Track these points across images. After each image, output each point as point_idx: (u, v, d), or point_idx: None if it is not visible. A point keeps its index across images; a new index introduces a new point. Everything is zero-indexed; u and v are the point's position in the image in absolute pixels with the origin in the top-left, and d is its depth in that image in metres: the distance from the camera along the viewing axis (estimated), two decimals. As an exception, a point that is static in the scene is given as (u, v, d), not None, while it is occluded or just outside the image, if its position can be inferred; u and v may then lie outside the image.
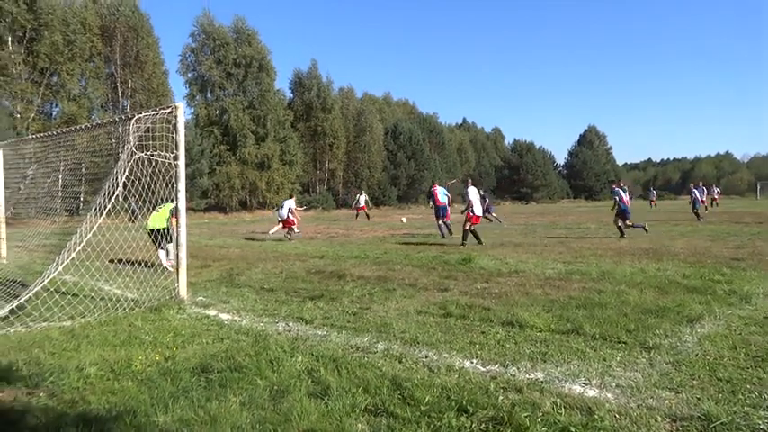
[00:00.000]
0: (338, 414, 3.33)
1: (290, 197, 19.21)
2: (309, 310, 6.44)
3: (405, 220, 27.91)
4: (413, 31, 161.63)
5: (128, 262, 9.57)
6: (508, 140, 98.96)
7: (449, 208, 17.41)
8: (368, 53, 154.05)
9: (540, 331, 5.23)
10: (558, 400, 3.52)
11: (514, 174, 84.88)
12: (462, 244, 13.71)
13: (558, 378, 3.98)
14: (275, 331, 5.50)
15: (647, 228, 16.15)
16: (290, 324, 5.84)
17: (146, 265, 9.54)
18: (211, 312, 6.52)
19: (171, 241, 10.97)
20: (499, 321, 5.64)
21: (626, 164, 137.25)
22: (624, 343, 4.79)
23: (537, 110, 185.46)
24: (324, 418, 3.27)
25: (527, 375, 4.04)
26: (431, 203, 18.51)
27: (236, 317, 6.28)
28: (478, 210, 14.18)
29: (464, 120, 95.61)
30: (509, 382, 3.87)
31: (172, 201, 9.78)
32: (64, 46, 35.53)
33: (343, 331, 5.45)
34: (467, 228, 13.87)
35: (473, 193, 14.23)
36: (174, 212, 10.88)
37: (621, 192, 15.88)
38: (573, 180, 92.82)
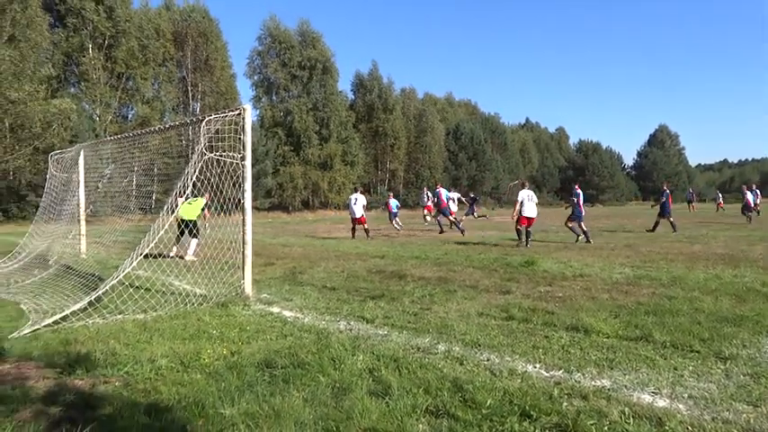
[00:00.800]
0: (399, 414, 3.33)
1: (359, 192, 19.08)
2: (370, 310, 6.48)
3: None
4: (474, 30, 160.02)
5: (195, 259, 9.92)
6: (573, 140, 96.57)
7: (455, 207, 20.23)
8: (429, 53, 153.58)
9: (607, 337, 5.06)
10: (626, 409, 3.39)
11: (579, 175, 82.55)
12: (518, 244, 14.27)
13: (625, 386, 3.83)
14: (337, 330, 5.57)
15: (590, 238, 15.30)
16: (352, 323, 5.90)
17: (208, 263, 9.84)
18: (275, 309, 6.67)
19: (197, 236, 11.42)
20: (563, 326, 5.50)
21: (699, 165, 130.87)
22: (697, 352, 4.56)
23: (604, 109, 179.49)
24: (385, 418, 3.28)
25: (593, 382, 3.91)
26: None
27: (299, 314, 6.39)
28: (528, 212, 14.39)
29: (527, 120, 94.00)
30: (574, 389, 3.76)
31: (202, 196, 10.12)
32: (139, 51, 37.34)
33: (404, 331, 5.45)
34: (518, 228, 14.44)
35: (523, 195, 14.61)
36: (206, 208, 11.27)
37: (581, 194, 15.97)
38: (642, 181, 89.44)
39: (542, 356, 4.51)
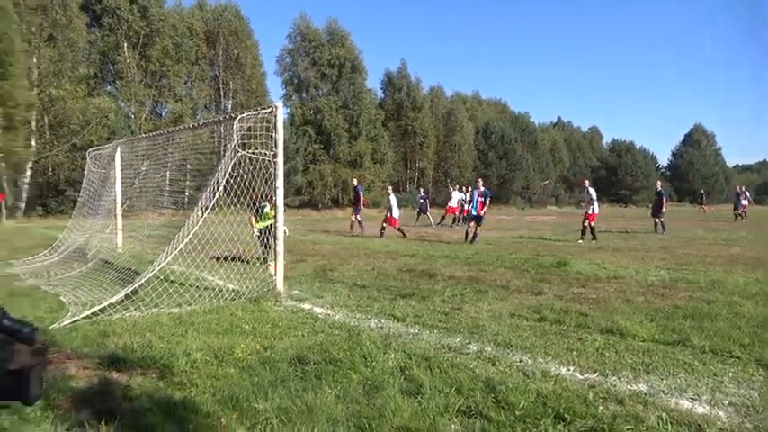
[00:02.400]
0: (431, 413, 3.32)
1: (392, 191, 19.29)
2: (401, 308, 6.48)
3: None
4: (503, 28, 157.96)
5: (229, 257, 10.03)
6: (606, 140, 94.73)
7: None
8: (457, 52, 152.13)
9: (643, 341, 4.97)
10: (664, 414, 3.33)
11: (612, 175, 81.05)
12: (582, 238, 15.37)
13: (663, 391, 3.76)
14: (368, 327, 5.58)
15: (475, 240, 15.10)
16: (382, 321, 5.91)
17: (242, 261, 9.94)
18: (306, 306, 6.72)
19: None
20: (597, 328, 5.43)
21: (737, 165, 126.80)
22: (737, 358, 4.45)
23: (639, 108, 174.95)
24: (417, 417, 3.28)
25: (629, 386, 3.85)
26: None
27: (330, 311, 6.43)
28: (597, 208, 15.56)
29: (559, 119, 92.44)
30: (609, 393, 3.70)
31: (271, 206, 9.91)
32: (172, 50, 37.98)
33: (435, 330, 5.44)
34: (585, 225, 15.49)
35: (594, 193, 15.79)
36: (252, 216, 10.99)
37: (486, 196, 15.79)
38: (677, 182, 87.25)
39: (576, 359, 4.46)
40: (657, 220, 19.13)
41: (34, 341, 1.57)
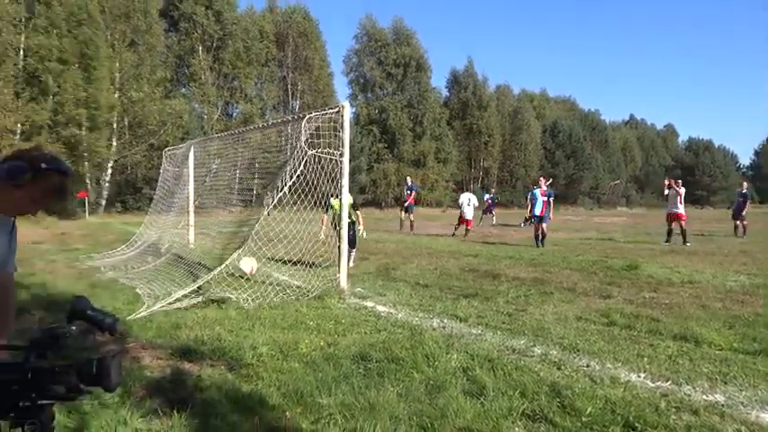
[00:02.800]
0: (494, 415, 3.27)
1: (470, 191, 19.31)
2: (463, 308, 6.42)
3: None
4: (572, 23, 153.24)
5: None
6: (682, 138, 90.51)
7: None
8: (525, 48, 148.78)
9: (720, 349, 4.71)
10: (743, 428, 3.14)
11: (688, 175, 77.12)
12: (685, 243, 14.64)
13: (742, 403, 3.55)
14: (430, 327, 5.56)
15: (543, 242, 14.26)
16: (445, 321, 5.87)
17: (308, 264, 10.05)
18: (369, 304, 6.77)
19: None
20: (670, 335, 5.18)
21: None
22: (826, 370, 4.14)
23: (718, 104, 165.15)
24: (480, 419, 3.23)
25: (704, 397, 3.66)
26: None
27: (393, 310, 6.45)
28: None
29: (631, 116, 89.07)
30: (683, 402, 3.53)
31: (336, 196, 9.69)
32: (244, 53, 39.21)
33: (498, 332, 5.36)
34: (674, 226, 15.11)
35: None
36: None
37: (549, 196, 14.85)
38: (759, 183, 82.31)
39: (647, 366, 4.27)
40: (739, 222, 18.05)
41: (116, 331, 1.64)
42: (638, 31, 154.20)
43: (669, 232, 15.30)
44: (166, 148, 16.02)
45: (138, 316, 5.80)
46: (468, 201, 18.10)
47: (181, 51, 37.56)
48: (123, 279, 8.44)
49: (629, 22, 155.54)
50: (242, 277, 7.57)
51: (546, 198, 14.60)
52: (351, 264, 9.44)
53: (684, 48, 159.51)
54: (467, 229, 17.80)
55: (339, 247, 7.74)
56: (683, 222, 15.04)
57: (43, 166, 1.84)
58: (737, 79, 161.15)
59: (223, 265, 7.01)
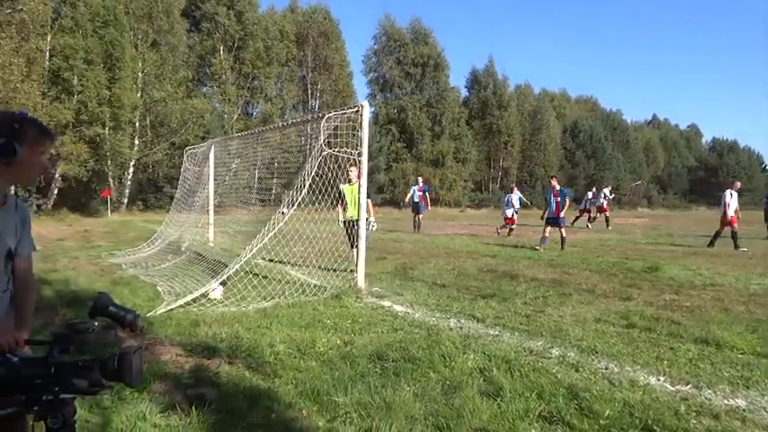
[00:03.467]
0: (511, 417, 3.25)
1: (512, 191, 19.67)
2: (481, 309, 6.39)
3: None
4: (594, 22, 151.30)
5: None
6: (706, 138, 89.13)
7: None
8: (545, 47, 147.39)
9: (743, 353, 4.63)
10: (766, 433, 3.09)
11: (711, 176, 76.03)
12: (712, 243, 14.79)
13: (764, 408, 3.49)
14: (447, 327, 5.55)
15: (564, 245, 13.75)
16: (462, 321, 5.85)
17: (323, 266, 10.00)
18: (386, 303, 6.77)
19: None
20: (691, 338, 5.10)
21: None
22: None
23: (744, 103, 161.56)
24: (496, 419, 3.22)
25: (725, 401, 3.60)
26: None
27: (410, 309, 6.44)
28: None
29: (654, 116, 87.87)
30: (703, 406, 3.48)
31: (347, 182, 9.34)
32: (264, 53, 39.46)
33: (516, 333, 5.33)
34: (735, 230, 15.01)
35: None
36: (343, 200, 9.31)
37: (564, 196, 14.22)
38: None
39: (667, 369, 4.22)
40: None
41: (137, 327, 1.67)
42: (662, 30, 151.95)
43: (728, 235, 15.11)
44: (187, 147, 16.18)
45: (158, 313, 5.88)
46: (508, 200, 18.97)
47: (202, 51, 37.91)
48: (144, 276, 8.55)
49: (652, 21, 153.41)
50: (259, 275, 7.62)
51: (559, 199, 13.97)
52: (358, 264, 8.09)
53: (709, 47, 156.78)
54: (510, 228, 18.46)
55: (357, 246, 7.75)
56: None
57: (16, 126, 1.81)
58: (763, 78, 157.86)
59: (241, 262, 7.05)
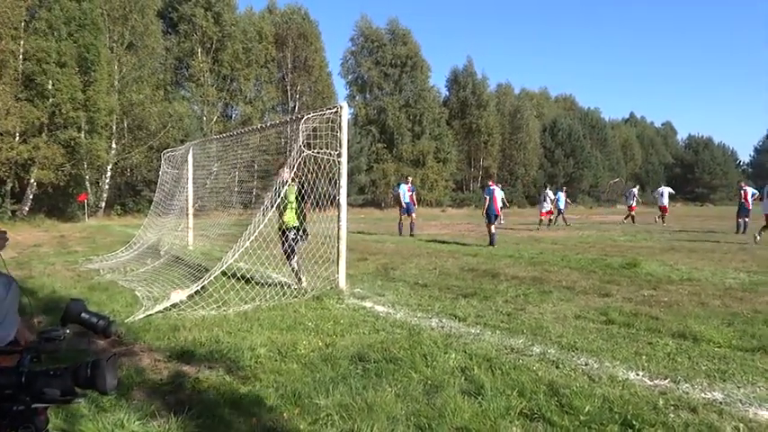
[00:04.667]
0: (492, 415, 3.27)
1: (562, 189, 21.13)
2: (462, 308, 6.42)
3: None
4: (572, 21, 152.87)
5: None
6: (681, 136, 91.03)
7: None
8: (525, 46, 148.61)
9: (719, 347, 4.72)
10: (741, 425, 3.14)
11: (688, 172, 77.60)
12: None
13: (740, 401, 3.55)
14: (429, 327, 5.56)
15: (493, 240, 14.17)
16: (444, 320, 5.87)
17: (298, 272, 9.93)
18: (368, 304, 6.77)
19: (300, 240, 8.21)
20: (669, 333, 5.19)
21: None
22: (824, 367, 4.15)
23: (717, 100, 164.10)
24: (477, 418, 3.23)
25: (703, 394, 3.66)
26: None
27: (391, 310, 6.45)
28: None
29: (631, 114, 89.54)
30: (681, 400, 3.53)
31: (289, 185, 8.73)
32: (243, 54, 39.20)
33: (497, 331, 5.36)
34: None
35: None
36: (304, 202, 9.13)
37: (495, 190, 14.63)
38: (759, 180, 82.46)
39: (646, 364, 4.28)
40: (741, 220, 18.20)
41: (110, 333, 1.65)
42: (638, 28, 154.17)
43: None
44: (166, 150, 16.02)
45: (137, 318, 5.81)
46: (545, 197, 21.80)
47: (180, 53, 37.50)
48: (122, 281, 8.43)
49: (628, 19, 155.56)
50: (241, 279, 7.56)
51: (488, 196, 14.70)
52: (302, 281, 7.92)
53: (683, 45, 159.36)
54: (550, 220, 21.57)
55: (338, 248, 7.73)
56: None
57: None
58: (736, 76, 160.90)
59: (222, 266, 6.99)
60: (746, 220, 18.26)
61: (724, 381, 3.92)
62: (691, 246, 13.90)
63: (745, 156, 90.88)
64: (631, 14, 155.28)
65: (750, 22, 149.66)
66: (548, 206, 22.15)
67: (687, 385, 3.84)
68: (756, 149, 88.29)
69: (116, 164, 31.47)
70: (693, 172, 76.86)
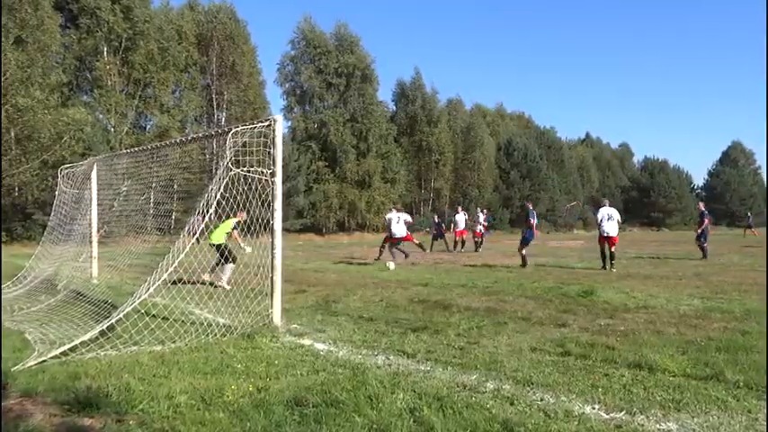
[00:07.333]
0: (444, 460, 3.37)
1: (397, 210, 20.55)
2: (412, 343, 6.56)
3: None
4: (528, 36, 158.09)
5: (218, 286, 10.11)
6: (638, 158, 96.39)
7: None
8: (477, 61, 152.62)
9: (674, 376, 5.15)
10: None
11: (644, 196, 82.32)
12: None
13: (694, 430, 3.91)
14: (374, 365, 5.64)
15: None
16: (391, 357, 5.97)
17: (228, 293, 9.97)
18: (306, 342, 6.78)
19: (231, 261, 11.74)
20: (625, 363, 5.60)
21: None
22: (773, 393, 4.56)
23: (673, 123, 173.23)
24: (428, 465, 3.32)
25: (658, 425, 3.99)
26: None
27: (333, 347, 6.49)
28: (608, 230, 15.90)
29: (587, 134, 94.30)
30: (636, 433, 3.80)
31: (235, 215, 10.23)
32: (158, 55, 38.51)
33: (449, 367, 5.53)
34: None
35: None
36: (236, 228, 11.61)
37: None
38: (713, 204, 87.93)
39: (602, 396, 4.59)
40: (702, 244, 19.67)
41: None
42: (594, 46, 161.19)
43: None
44: (63, 166, 15.57)
45: (27, 366, 5.62)
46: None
47: (82, 52, 36.45)
48: (8, 322, 8.11)
49: (585, 37, 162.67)
50: (157, 316, 7.44)
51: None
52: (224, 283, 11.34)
53: (638, 66, 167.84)
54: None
55: (272, 278, 7.72)
56: None
57: None
58: (690, 97, 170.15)
59: (135, 302, 6.87)
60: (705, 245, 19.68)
61: (678, 411, 4.27)
62: (647, 272, 15.08)
63: (699, 179, 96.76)
64: (583, 32, 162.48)
65: (706, 43, 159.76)
66: (462, 225, 24.60)
67: (642, 417, 4.15)
68: (710, 173, 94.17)
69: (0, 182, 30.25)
70: (649, 195, 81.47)
